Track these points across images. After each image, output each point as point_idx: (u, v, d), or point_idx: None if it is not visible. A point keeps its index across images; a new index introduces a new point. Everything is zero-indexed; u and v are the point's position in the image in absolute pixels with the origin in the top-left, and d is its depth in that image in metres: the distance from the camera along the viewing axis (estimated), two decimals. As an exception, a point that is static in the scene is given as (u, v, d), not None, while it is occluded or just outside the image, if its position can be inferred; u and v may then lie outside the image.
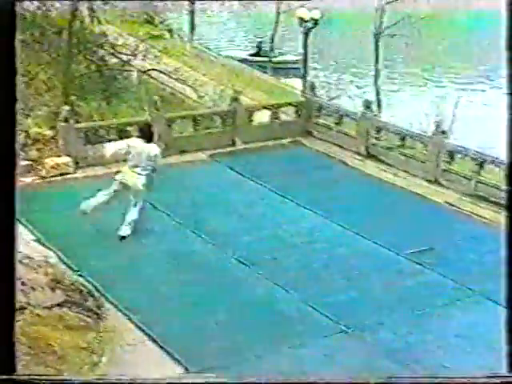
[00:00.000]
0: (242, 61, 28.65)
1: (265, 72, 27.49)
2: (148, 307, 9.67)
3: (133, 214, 11.40)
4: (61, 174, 13.76)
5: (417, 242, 11.59)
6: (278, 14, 32.88)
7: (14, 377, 5.36)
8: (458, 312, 9.74)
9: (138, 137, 11.86)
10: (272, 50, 30.60)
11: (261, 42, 31.17)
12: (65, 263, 10.55)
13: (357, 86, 28.85)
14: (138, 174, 11.31)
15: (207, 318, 9.38)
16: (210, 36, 35.67)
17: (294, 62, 29.24)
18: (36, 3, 18.32)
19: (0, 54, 5.30)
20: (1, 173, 5.30)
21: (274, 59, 29.82)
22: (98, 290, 9.86)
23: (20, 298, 7.77)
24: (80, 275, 10.23)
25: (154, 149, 11.41)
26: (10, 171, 5.36)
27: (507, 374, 5.54)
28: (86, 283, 9.98)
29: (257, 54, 30.69)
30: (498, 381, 5.50)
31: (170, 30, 21.60)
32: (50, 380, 5.82)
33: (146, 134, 11.60)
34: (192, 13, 34.36)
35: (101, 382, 6.17)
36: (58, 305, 8.96)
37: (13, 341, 5.37)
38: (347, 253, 11.32)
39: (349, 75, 30.50)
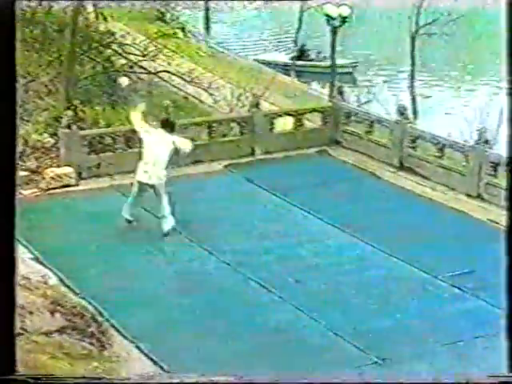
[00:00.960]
0: (279, 66, 28.39)
1: (311, 79, 27.37)
2: (157, 334, 9.69)
3: (165, 208, 11.88)
4: (62, 186, 13.87)
5: (456, 263, 11.51)
6: (302, 12, 33.03)
7: (14, 377, 5.65)
8: (504, 343, 9.63)
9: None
10: (319, 52, 30.04)
11: (304, 45, 30.66)
12: (65, 284, 10.61)
13: (390, 90, 28.82)
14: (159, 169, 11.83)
15: (222, 348, 9.37)
16: (233, 37, 35.61)
17: (348, 66, 29.07)
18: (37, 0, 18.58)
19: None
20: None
21: (321, 63, 29.10)
22: (101, 315, 9.90)
23: (16, 323, 7.86)
24: (82, 298, 10.28)
25: (181, 142, 12.09)
26: (9, 183, 5.59)
27: (507, 374, 5.77)
28: (89, 307, 10.02)
29: (299, 58, 30.18)
30: (498, 381, 5.73)
31: (183, 28, 21.75)
32: (49, 380, 6.07)
33: (168, 125, 11.88)
34: (207, 9, 34.66)
35: (101, 381, 6.37)
36: (58, 331, 9.01)
37: (13, 341, 5.69)
38: (379, 275, 11.27)
39: (381, 78, 30.47)
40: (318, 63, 29.60)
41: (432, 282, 11.07)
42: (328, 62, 29.60)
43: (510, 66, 5.77)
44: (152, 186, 12.02)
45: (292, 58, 30.43)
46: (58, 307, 9.43)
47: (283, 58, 30.71)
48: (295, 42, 33.53)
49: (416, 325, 10.05)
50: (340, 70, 27.01)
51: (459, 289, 10.88)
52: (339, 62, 29.41)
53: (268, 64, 28.68)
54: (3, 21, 5.54)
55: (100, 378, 7.02)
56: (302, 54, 30.50)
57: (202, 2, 32.67)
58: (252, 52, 32.28)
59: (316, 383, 6.26)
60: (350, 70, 29.59)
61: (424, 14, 28.53)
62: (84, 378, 7.29)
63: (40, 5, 18.14)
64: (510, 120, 5.73)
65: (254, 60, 29.87)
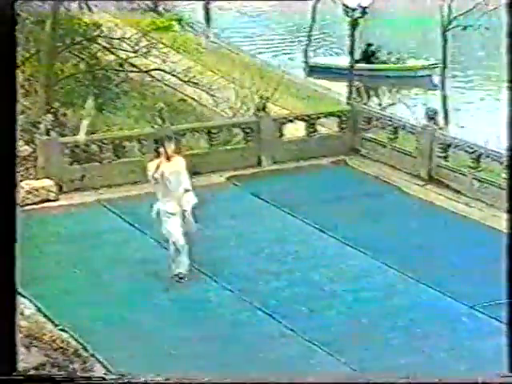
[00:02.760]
0: (342, 70, 28.20)
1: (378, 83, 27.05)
2: (149, 371, 9.69)
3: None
4: (40, 202, 13.94)
5: (495, 291, 11.49)
6: (315, 7, 33.11)
7: (13, 377, 6.19)
8: None
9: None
10: (390, 53, 29.92)
11: (370, 45, 30.17)
12: (44, 314, 10.65)
13: (417, 92, 28.90)
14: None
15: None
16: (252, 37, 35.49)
17: (427, 68, 28.87)
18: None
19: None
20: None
21: (393, 65, 29.17)
22: (85, 349, 9.92)
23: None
24: (63, 330, 10.30)
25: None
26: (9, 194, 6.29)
27: (507, 374, 6.33)
28: (71, 340, 10.04)
29: (365, 60, 29.59)
30: (498, 381, 6.35)
31: (179, 20, 21.90)
32: (49, 380, 6.80)
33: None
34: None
35: (101, 381, 6.94)
36: (35, 368, 9.03)
37: (13, 341, 6.26)
38: (405, 304, 11.27)
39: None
40: (391, 65, 29.34)
41: (466, 313, 11.07)
42: (406, 64, 29.41)
43: (511, 66, 6.06)
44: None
45: (357, 61, 29.97)
46: (35, 341, 9.46)
47: (345, 61, 30.33)
48: (309, 37, 33.65)
49: (448, 362, 10.04)
50: (415, 73, 26.76)
51: (498, 320, 10.87)
52: (415, 63, 29.23)
53: (327, 69, 28.43)
54: (3, 21, 6.01)
55: (100, 378, 7.48)
56: (368, 56, 29.91)
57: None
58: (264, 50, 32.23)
59: (316, 383, 6.73)
60: (429, 72, 29.22)
61: (457, 5, 28.67)
62: (84, 377, 7.86)
63: (40, 5, 18.27)
64: (511, 121, 6.06)
65: (310, 66, 29.51)
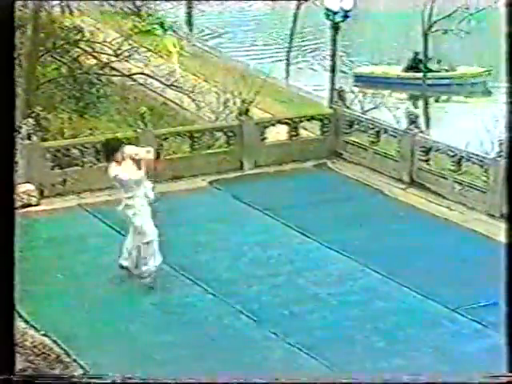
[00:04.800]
0: (390, 79, 27.98)
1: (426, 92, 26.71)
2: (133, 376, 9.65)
3: None
4: (21, 206, 13.84)
5: (477, 294, 11.54)
6: (298, 8, 33.13)
7: (13, 377, 6.30)
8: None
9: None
10: (440, 61, 29.66)
11: (417, 53, 29.89)
12: (25, 320, 10.57)
13: (399, 96, 28.98)
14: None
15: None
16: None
17: (480, 75, 28.59)
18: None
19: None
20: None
21: (444, 73, 28.91)
22: (68, 355, 9.85)
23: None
24: (45, 335, 10.24)
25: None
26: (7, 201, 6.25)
27: (507, 374, 6.42)
28: (54, 345, 9.97)
29: (413, 69, 29.56)
30: (498, 381, 6.43)
31: (161, 24, 21.86)
32: (49, 379, 6.95)
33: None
34: (189, 3, 34.83)
35: (101, 381, 7.09)
36: (16, 374, 8.95)
37: (13, 341, 6.42)
38: (387, 308, 11.27)
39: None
40: (442, 73, 29.10)
41: (449, 316, 11.08)
42: (456, 72, 29.08)
43: (510, 67, 6.15)
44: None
45: (406, 70, 29.55)
46: (16, 347, 9.37)
47: (392, 70, 29.85)
48: (290, 41, 33.65)
49: (432, 365, 10.04)
50: (465, 81, 26.53)
51: (480, 324, 10.90)
52: (467, 70, 29.05)
53: (373, 78, 28.25)
54: (3, 21, 6.07)
55: (100, 378, 7.57)
56: (416, 65, 29.69)
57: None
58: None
59: (316, 383, 6.76)
60: (482, 79, 28.96)
61: (439, 8, 28.76)
62: (84, 377, 7.98)
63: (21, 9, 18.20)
64: (509, 123, 6.13)
65: (355, 75, 29.15)
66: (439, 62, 29.80)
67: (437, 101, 29.03)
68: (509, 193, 6.43)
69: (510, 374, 6.20)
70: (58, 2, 19.98)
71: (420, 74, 28.98)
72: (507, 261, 6.19)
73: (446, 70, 29.45)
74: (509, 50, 6.27)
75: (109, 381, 6.84)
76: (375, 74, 29.28)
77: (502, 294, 6.31)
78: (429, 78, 28.74)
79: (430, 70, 29.35)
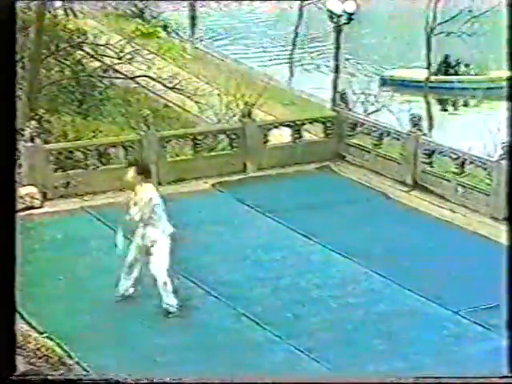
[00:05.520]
0: (419, 83, 27.73)
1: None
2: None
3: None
4: (24, 209, 13.87)
5: (480, 297, 11.54)
6: (301, 11, 33.15)
7: (14, 377, 6.32)
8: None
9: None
10: (468, 65, 29.43)
11: (447, 57, 29.88)
12: (27, 321, 10.59)
13: (403, 99, 28.97)
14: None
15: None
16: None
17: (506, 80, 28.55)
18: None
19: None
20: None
21: (475, 77, 28.60)
22: (70, 357, 9.87)
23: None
24: (48, 337, 10.25)
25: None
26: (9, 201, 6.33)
27: (507, 374, 6.38)
28: (56, 348, 9.98)
29: (443, 73, 29.43)
30: (498, 381, 6.38)
31: (165, 27, 21.93)
32: (49, 379, 6.82)
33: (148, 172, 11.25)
34: (193, 6, 34.89)
35: (101, 381, 7.00)
36: (19, 376, 8.97)
37: (13, 341, 6.39)
38: (389, 310, 11.28)
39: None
40: (473, 77, 28.87)
41: (451, 318, 11.09)
42: (489, 75, 28.83)
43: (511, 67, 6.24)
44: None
45: (435, 73, 29.25)
46: (19, 349, 9.39)
47: (422, 74, 29.44)
48: (294, 43, 33.70)
49: (433, 368, 10.05)
50: (497, 84, 26.33)
51: (482, 326, 10.90)
52: (499, 74, 28.87)
53: (403, 81, 28.12)
54: (3, 20, 6.08)
55: (100, 378, 7.55)
56: (446, 69, 29.58)
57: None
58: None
59: (317, 383, 6.98)
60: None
61: (442, 11, 28.76)
62: (84, 377, 7.98)
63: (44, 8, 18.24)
64: (511, 125, 6.16)
65: (382, 78, 29.00)
66: (467, 65, 29.63)
67: (465, 105, 28.88)
68: (509, 195, 6.46)
69: (510, 375, 6.20)
70: (61, 4, 20.02)
71: (450, 78, 28.88)
72: (508, 263, 6.22)
73: (476, 74, 29.27)
74: (509, 51, 6.25)
75: (112, 381, 6.88)
76: (403, 77, 29.12)
77: (503, 295, 6.32)
78: (460, 82, 28.60)
79: (457, 74, 29.25)
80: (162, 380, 6.93)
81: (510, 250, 6.12)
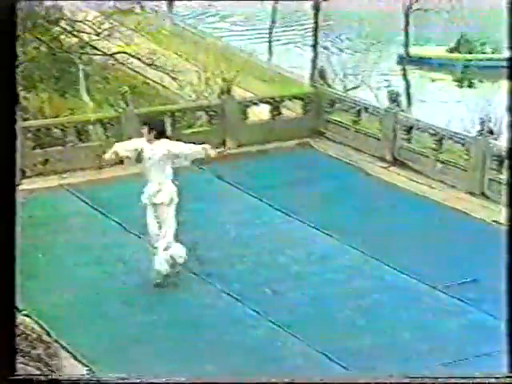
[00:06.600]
0: (438, 60, 27.49)
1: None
2: (114, 355, 9.68)
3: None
4: (2, 186, 13.81)
5: (457, 271, 11.63)
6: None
7: (13, 377, 6.32)
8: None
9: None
10: (484, 44, 29.02)
11: (463, 35, 29.37)
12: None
13: (381, 74, 28.96)
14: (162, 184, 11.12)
15: (190, 369, 9.38)
16: None
17: None
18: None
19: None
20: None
21: (492, 55, 28.12)
22: (49, 335, 9.87)
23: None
24: (26, 315, 10.24)
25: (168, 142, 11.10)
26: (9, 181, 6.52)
27: (507, 374, 6.37)
28: (35, 325, 9.98)
29: (459, 51, 29.04)
30: (498, 381, 6.37)
31: (140, 3, 21.73)
32: (50, 379, 6.78)
33: (160, 128, 11.33)
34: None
35: (101, 381, 6.95)
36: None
37: (13, 341, 6.43)
38: (368, 286, 11.34)
39: (370, 59, 30.61)
40: (490, 56, 28.44)
41: (429, 293, 11.16)
42: (504, 54, 28.62)
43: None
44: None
45: (451, 51, 29.14)
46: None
47: (440, 51, 29.38)
48: (273, 19, 33.44)
49: (411, 342, 10.13)
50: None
51: (460, 300, 10.99)
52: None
53: (421, 59, 27.94)
54: (3, 20, 6.24)
55: (100, 378, 7.54)
56: (462, 47, 29.25)
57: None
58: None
59: (317, 383, 6.86)
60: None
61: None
62: (83, 377, 8.01)
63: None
64: (510, 109, 6.13)
65: (400, 56, 28.77)
66: (483, 44, 29.54)
67: (481, 81, 28.76)
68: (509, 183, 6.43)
69: (510, 375, 6.25)
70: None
71: (467, 56, 28.50)
72: (508, 264, 6.26)
73: (493, 52, 29.17)
74: (509, 40, 6.23)
75: (111, 381, 6.87)
76: (421, 55, 29.04)
77: (499, 288, 6.36)
78: (476, 60, 28.49)
79: (471, 52, 28.96)
80: (178, 380, 6.92)
81: (509, 250, 6.10)
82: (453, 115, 19.94)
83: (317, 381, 6.90)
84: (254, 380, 6.87)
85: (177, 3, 33.58)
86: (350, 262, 11.95)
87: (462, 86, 27.77)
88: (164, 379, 6.81)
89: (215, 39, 27.87)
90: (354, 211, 13.47)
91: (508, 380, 6.36)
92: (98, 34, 18.76)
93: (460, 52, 29.24)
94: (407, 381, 6.90)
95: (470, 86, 27.47)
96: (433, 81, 27.55)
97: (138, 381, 6.67)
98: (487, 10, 28.26)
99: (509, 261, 6.36)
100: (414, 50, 29.84)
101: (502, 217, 13.06)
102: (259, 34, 32.86)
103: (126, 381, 6.79)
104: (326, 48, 27.33)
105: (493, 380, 6.48)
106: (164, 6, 30.53)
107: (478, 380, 6.53)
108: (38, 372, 8.87)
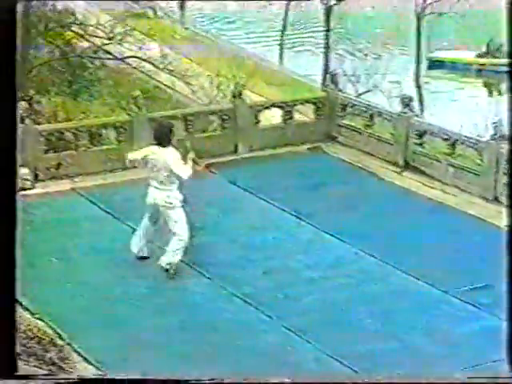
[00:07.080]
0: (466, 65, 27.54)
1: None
2: (125, 358, 9.69)
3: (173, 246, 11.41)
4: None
5: (471, 277, 11.59)
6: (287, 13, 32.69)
7: (13, 377, 6.41)
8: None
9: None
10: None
11: (493, 39, 29.11)
12: (20, 303, 10.57)
13: (393, 79, 28.93)
14: (162, 189, 11.39)
15: (201, 373, 9.37)
16: None
17: None
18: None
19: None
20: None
21: None
22: (61, 338, 9.88)
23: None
24: (39, 318, 10.25)
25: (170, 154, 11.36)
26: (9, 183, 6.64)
27: (507, 375, 6.41)
28: (48, 329, 9.99)
29: (489, 55, 29.04)
30: (498, 381, 6.47)
31: (153, 7, 21.82)
32: (50, 379, 6.98)
33: (164, 137, 11.51)
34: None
35: (103, 379, 7.33)
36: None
37: (13, 341, 6.50)
38: (381, 291, 11.32)
39: (383, 64, 30.59)
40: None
41: (442, 298, 11.14)
42: None
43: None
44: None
45: (481, 56, 29.17)
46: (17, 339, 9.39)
47: (468, 55, 29.34)
48: (284, 24, 33.47)
49: (424, 347, 10.10)
50: None
51: (473, 305, 10.95)
52: None
53: (450, 63, 28.06)
54: (4, 20, 6.24)
55: (100, 378, 7.76)
56: (492, 51, 29.16)
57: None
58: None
59: (317, 383, 7.14)
60: None
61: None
62: (84, 377, 8.04)
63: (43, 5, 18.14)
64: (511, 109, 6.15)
65: (428, 59, 28.85)
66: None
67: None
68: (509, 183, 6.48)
69: (510, 375, 6.24)
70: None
71: (496, 61, 28.26)
72: (509, 263, 6.23)
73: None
74: (509, 42, 6.23)
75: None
76: (448, 59, 28.95)
77: (499, 279, 6.32)
78: (504, 65, 28.35)
79: (496, 57, 28.69)
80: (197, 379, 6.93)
81: (509, 249, 6.09)
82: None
83: (317, 381, 6.91)
84: (254, 380, 6.88)
85: (189, 6, 33.67)
86: (363, 267, 11.93)
87: (491, 92, 27.63)
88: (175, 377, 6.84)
89: (227, 43, 27.92)
90: (367, 216, 13.45)
91: (508, 380, 6.39)
92: (110, 39, 18.82)
93: (491, 56, 29.05)
94: (407, 380, 6.94)
95: (500, 93, 27.32)
96: (461, 88, 27.31)
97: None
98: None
99: (509, 261, 6.30)
100: (445, 54, 29.72)
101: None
102: (271, 38, 32.93)
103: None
104: (337, 52, 27.33)
105: (493, 380, 6.72)
106: (176, 9, 30.65)
107: (478, 380, 7.01)
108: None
